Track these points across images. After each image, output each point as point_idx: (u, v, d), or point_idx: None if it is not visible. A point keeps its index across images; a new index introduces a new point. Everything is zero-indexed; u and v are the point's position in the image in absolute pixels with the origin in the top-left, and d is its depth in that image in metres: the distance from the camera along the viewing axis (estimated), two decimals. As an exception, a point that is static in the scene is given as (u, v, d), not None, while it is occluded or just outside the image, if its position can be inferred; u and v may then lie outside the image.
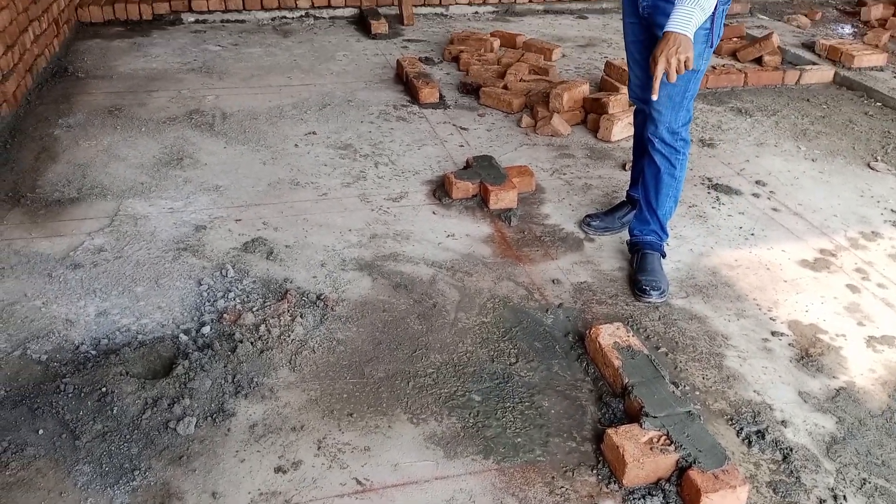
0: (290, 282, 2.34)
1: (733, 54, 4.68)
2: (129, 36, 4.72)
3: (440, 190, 2.98)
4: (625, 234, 2.61)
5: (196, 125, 3.47)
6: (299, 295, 2.26)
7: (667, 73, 2.02)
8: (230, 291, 2.26)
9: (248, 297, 2.24)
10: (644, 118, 2.51)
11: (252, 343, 2.02)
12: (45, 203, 2.74)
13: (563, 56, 4.74)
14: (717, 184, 3.10)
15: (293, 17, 5.29)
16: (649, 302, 2.32)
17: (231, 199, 2.84)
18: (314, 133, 3.46)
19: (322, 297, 2.26)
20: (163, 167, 3.05)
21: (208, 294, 2.25)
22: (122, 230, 2.58)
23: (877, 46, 4.93)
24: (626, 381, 1.87)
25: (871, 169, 3.27)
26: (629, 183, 2.77)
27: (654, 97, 2.10)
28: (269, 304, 2.21)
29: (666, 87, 2.19)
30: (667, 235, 2.48)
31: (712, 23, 2.15)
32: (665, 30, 2.02)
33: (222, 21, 5.12)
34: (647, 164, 2.40)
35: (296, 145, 3.33)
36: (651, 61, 2.06)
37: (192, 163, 3.10)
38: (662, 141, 2.32)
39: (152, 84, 3.93)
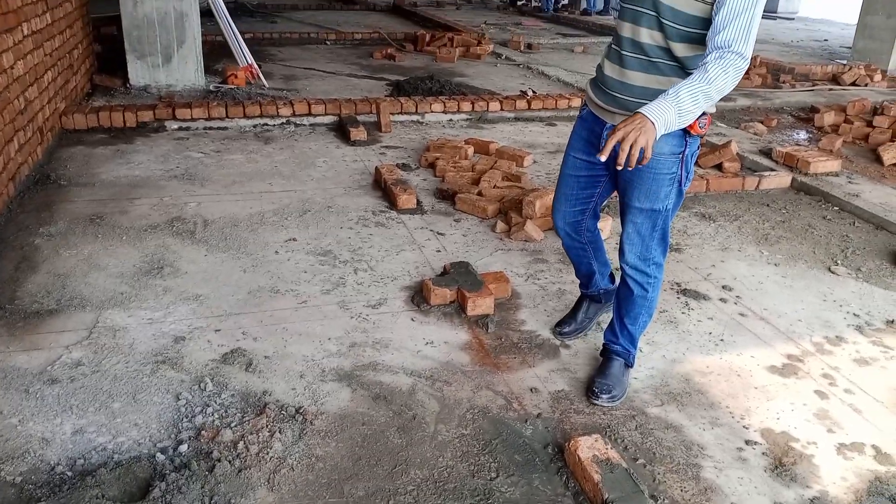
0: (269, 394, 2.34)
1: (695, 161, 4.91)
2: (113, 143, 4.84)
3: (418, 296, 3.04)
4: (599, 337, 2.67)
5: (177, 233, 3.53)
6: (278, 409, 2.26)
7: (624, 156, 1.87)
8: (208, 406, 2.25)
9: (226, 411, 2.24)
10: (568, 240, 2.59)
11: (230, 462, 2.00)
12: (24, 315, 2.74)
13: (535, 162, 4.94)
14: (685, 289, 3.21)
15: (275, 125, 5.47)
16: (597, 405, 2.36)
17: (211, 308, 2.86)
18: (294, 239, 3.54)
19: (301, 411, 2.26)
20: (143, 276, 3.08)
21: (186, 409, 2.24)
22: (100, 343, 2.58)
23: (831, 152, 5.23)
24: (606, 496, 1.88)
25: (832, 273, 3.41)
26: (580, 284, 2.80)
27: (602, 158, 1.92)
28: (247, 418, 2.20)
29: (635, 224, 2.28)
30: (635, 348, 2.52)
31: (681, 166, 2.18)
32: (637, 111, 1.91)
33: (205, 128, 5.28)
34: (620, 285, 2.46)
35: (276, 252, 3.39)
36: (609, 133, 1.94)
37: (173, 271, 3.14)
38: (633, 269, 2.35)
39: (135, 191, 4.01)
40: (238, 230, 3.60)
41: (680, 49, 2.05)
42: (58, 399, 2.27)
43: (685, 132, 2.12)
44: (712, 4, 1.96)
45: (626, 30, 2.14)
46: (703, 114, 2.07)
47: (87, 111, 5.09)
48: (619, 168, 1.89)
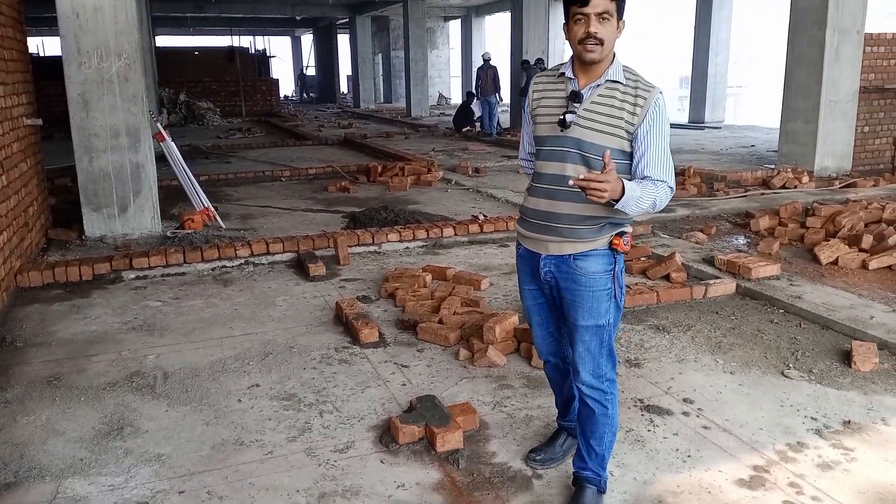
0: (239, 558, 2.27)
1: (643, 273, 5.12)
2: (69, 298, 4.82)
3: (387, 436, 3.02)
4: (570, 465, 2.68)
5: (137, 388, 3.48)
6: (249, 573, 2.18)
7: (593, 185, 2.08)
8: (176, 577, 2.17)
9: (194, 581, 2.15)
10: (551, 368, 2.72)
11: None
12: (-23, 492, 2.63)
13: (491, 285, 5.07)
14: (648, 405, 3.26)
15: (233, 266, 5.54)
16: None
17: (173, 468, 2.80)
18: (257, 385, 3.52)
19: (273, 573, 2.19)
20: (103, 439, 3.01)
21: (152, 583, 2.15)
22: (59, 516, 2.49)
23: (770, 255, 5.51)
24: None
25: (786, 377, 3.52)
26: (557, 414, 2.89)
27: (576, 180, 2.12)
28: (217, 587, 2.12)
29: (584, 343, 2.40)
30: (605, 470, 2.55)
31: (614, 282, 2.37)
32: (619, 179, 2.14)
33: (163, 275, 5.31)
34: (580, 407, 2.52)
35: (239, 400, 3.36)
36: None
37: (133, 431, 3.08)
38: (589, 387, 2.45)
39: (92, 348, 3.97)
40: (199, 380, 3.57)
41: None
42: (14, 585, 2.16)
43: (613, 251, 2.35)
44: (630, 141, 2.27)
45: (552, 168, 2.36)
46: (625, 233, 2.35)
47: (42, 268, 5.09)
48: (573, 182, 2.13)
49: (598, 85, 2.28)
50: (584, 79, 2.30)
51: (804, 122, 9.30)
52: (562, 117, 2.28)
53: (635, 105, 2.24)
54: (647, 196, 2.19)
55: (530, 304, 2.60)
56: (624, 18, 2.25)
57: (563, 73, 2.35)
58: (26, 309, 4.61)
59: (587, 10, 2.17)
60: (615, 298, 2.40)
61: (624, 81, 2.27)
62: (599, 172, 2.12)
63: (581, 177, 2.12)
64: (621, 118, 2.24)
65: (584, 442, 2.53)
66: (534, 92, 2.46)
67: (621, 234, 2.35)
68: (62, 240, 6.18)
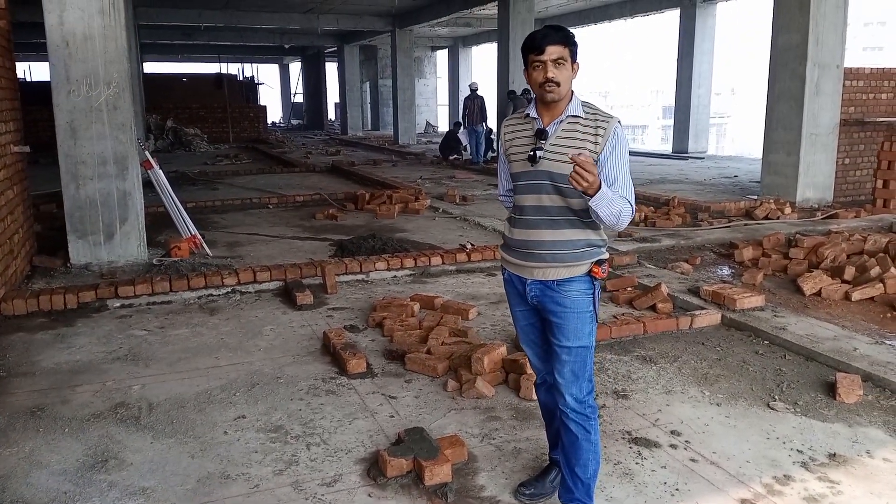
0: None
1: (630, 303, 5.15)
2: (53, 327, 4.77)
3: (374, 469, 3.01)
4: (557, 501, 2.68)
5: (121, 420, 3.44)
6: None
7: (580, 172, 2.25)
8: None
9: None
10: (544, 392, 2.81)
11: None
12: (-44, 528, 2.58)
13: (479, 314, 5.08)
14: (636, 437, 3.27)
15: (220, 294, 5.52)
16: None
17: (158, 502, 2.76)
18: (244, 417, 3.49)
19: None
20: (87, 472, 2.97)
21: None
22: (40, 552, 2.44)
23: (754, 286, 5.56)
24: None
25: (772, 409, 3.54)
26: (548, 447, 2.92)
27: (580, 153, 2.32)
28: None
29: (569, 364, 2.54)
30: (592, 501, 2.59)
31: (593, 303, 2.55)
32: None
33: (149, 304, 5.27)
34: (563, 434, 2.59)
35: (225, 432, 3.33)
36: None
37: (118, 464, 3.04)
38: (574, 411, 2.56)
39: (76, 378, 3.93)
40: (185, 411, 3.53)
41: (575, 204, 2.49)
42: None
43: (592, 277, 2.53)
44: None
45: (530, 200, 2.55)
46: (603, 261, 2.55)
47: (26, 296, 5.05)
48: (571, 155, 2.29)
49: (561, 121, 2.50)
50: (548, 117, 2.52)
51: (786, 153, 9.46)
52: (531, 153, 2.49)
53: (596, 135, 2.44)
54: (616, 202, 2.36)
55: (523, 324, 2.73)
56: (578, 61, 2.48)
57: (528, 115, 2.57)
58: (10, 338, 4.56)
59: (543, 57, 2.41)
60: (594, 321, 2.57)
61: (584, 115, 2.49)
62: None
63: (579, 154, 2.28)
64: (584, 148, 2.43)
65: (570, 472, 2.58)
66: (505, 134, 2.67)
67: (600, 263, 2.53)
68: (47, 267, 6.13)
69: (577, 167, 2.26)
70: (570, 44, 2.44)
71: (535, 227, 2.54)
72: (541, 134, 2.49)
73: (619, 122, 2.50)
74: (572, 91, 2.51)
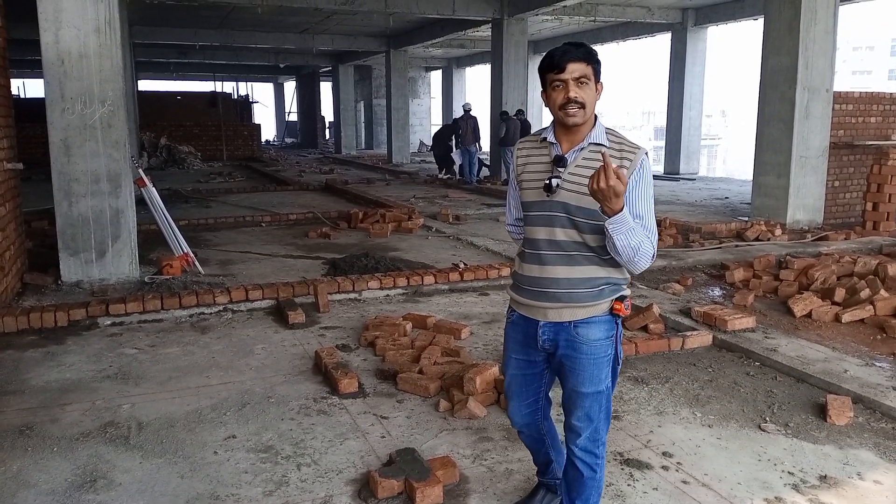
0: None
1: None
2: (43, 345, 4.74)
3: (365, 490, 2.99)
4: (551, 524, 2.66)
5: (110, 439, 3.41)
6: None
7: (601, 186, 2.05)
8: None
9: None
10: (526, 435, 2.69)
11: None
12: (-59, 549, 2.55)
13: (472, 334, 5.08)
14: (628, 459, 3.26)
15: (211, 313, 5.49)
16: None
17: (148, 523, 2.74)
18: (234, 436, 3.47)
19: None
20: (75, 492, 2.94)
21: None
22: (26, 574, 2.41)
23: (745, 307, 5.58)
24: None
25: (763, 431, 3.55)
26: (537, 470, 2.87)
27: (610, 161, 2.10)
28: None
29: (584, 409, 2.38)
30: None
31: (615, 347, 2.38)
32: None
33: (139, 322, 5.25)
34: (568, 469, 2.51)
35: (215, 452, 3.31)
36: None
37: (106, 484, 3.01)
38: (584, 451, 2.42)
39: (65, 396, 3.90)
40: (174, 431, 3.51)
41: (591, 240, 2.29)
42: None
43: (614, 316, 2.34)
44: None
45: (542, 233, 2.34)
46: (625, 297, 2.34)
47: (17, 313, 5.02)
48: (588, 184, 2.11)
49: (582, 148, 2.29)
50: (567, 143, 2.31)
51: (776, 176, 9.54)
52: (547, 182, 2.27)
53: (621, 167, 2.18)
54: (637, 233, 2.15)
55: (514, 373, 2.55)
56: (602, 81, 2.28)
57: (545, 139, 2.35)
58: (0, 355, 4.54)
59: (564, 76, 2.20)
60: (615, 363, 2.41)
61: (608, 144, 2.28)
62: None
63: (610, 160, 2.06)
64: None
65: (570, 501, 2.52)
66: (518, 158, 2.46)
67: (621, 299, 2.32)
68: (38, 284, 6.10)
69: (605, 166, 2.02)
70: (594, 61, 2.22)
71: (548, 262, 2.32)
72: (559, 161, 2.27)
73: (646, 153, 2.28)
74: (595, 115, 2.28)
